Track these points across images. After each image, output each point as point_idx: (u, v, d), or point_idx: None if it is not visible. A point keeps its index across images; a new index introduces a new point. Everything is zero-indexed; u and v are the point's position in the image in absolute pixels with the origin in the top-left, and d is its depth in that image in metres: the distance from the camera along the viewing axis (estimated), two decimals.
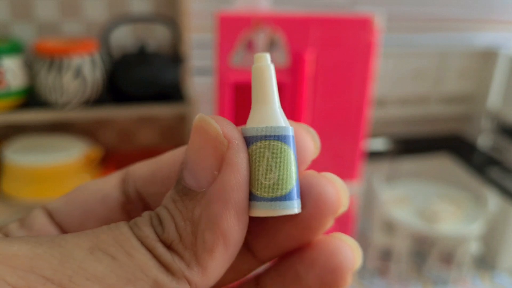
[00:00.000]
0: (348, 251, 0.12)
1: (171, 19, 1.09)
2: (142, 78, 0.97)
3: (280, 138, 0.11)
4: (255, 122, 0.11)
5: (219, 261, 0.10)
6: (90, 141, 1.09)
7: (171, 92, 1.03)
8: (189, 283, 0.10)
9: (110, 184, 0.14)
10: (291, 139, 0.11)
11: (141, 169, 0.14)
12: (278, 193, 0.11)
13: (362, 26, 0.88)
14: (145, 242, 0.10)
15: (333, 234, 0.13)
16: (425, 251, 1.39)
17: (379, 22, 0.89)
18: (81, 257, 0.10)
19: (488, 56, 1.41)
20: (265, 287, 0.13)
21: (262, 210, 0.11)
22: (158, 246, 0.10)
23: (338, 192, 0.12)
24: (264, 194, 0.11)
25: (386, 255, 1.33)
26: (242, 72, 0.90)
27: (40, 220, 0.13)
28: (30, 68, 0.96)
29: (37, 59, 0.94)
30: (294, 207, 0.11)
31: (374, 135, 1.49)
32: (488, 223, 1.34)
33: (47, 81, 0.92)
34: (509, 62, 1.35)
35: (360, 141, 0.99)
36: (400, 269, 1.25)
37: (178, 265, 0.10)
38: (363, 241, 1.38)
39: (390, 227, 1.21)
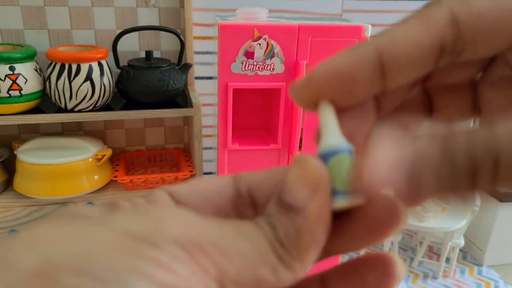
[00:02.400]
0: (399, 262, 0.16)
1: (175, 28, 1.14)
2: (148, 83, 1.02)
3: (345, 150, 0.15)
4: (327, 144, 0.15)
5: (313, 256, 0.14)
6: (100, 142, 1.13)
7: (176, 96, 1.08)
8: (293, 271, 0.14)
9: (224, 181, 0.16)
10: (351, 151, 0.15)
11: (253, 175, 0.17)
12: (349, 188, 0.14)
13: (354, 33, 0.94)
14: (267, 238, 0.14)
15: (385, 252, 0.17)
16: (415, 246, 1.43)
17: (368, 29, 0.94)
18: (231, 236, 0.13)
19: None
20: (329, 283, 0.16)
21: (343, 202, 0.14)
22: (276, 243, 0.13)
23: (404, 213, 0.15)
24: (343, 188, 0.14)
25: (377, 250, 1.37)
26: (242, 78, 0.95)
27: (164, 199, 0.15)
28: (42, 73, 1.00)
29: (49, 65, 0.98)
30: (361, 198, 0.15)
31: None
32: (475, 220, 1.38)
33: (58, 85, 0.96)
34: None
35: None
36: None
37: (288, 258, 0.13)
38: None
39: None
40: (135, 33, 1.15)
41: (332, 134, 0.15)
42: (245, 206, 0.16)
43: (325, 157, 0.15)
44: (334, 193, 0.14)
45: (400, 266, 0.15)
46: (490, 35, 0.14)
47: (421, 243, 1.39)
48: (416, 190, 0.13)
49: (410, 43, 0.14)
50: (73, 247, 0.11)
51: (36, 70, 0.98)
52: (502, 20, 0.13)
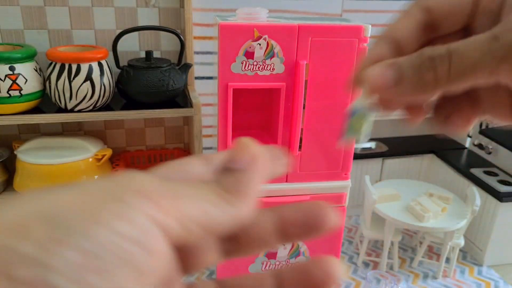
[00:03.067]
0: (339, 264, 0.19)
1: (175, 28, 1.14)
2: (148, 83, 1.02)
3: (365, 109, 0.23)
4: (354, 104, 0.23)
5: (251, 200, 0.18)
6: (100, 142, 1.13)
7: (176, 96, 1.08)
8: (233, 206, 0.17)
9: (199, 163, 0.19)
10: (368, 109, 0.23)
11: (219, 155, 0.20)
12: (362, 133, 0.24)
13: (354, 33, 0.94)
14: (212, 187, 0.17)
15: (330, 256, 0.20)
16: (415, 246, 1.43)
17: (368, 29, 0.95)
18: (183, 186, 0.16)
19: None
20: (283, 279, 0.19)
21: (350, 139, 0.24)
22: (218, 190, 0.17)
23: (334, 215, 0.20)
24: (355, 134, 0.24)
25: (377, 250, 1.38)
26: (242, 78, 0.95)
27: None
28: (42, 73, 1.00)
29: (49, 65, 0.98)
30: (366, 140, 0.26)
31: None
32: (474, 220, 1.38)
33: (58, 85, 0.96)
34: None
35: (351, 141, 1.04)
36: (391, 263, 1.29)
37: (228, 197, 0.17)
38: (355, 236, 1.43)
39: (380, 223, 1.26)
40: (135, 33, 1.15)
41: (361, 99, 0.23)
42: None
43: (352, 112, 0.23)
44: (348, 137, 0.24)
45: (340, 268, 0.18)
46: (449, 17, 0.23)
47: (421, 243, 1.40)
48: (399, 83, 0.21)
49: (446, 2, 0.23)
50: (45, 204, 0.13)
51: (36, 70, 0.98)
52: (454, 8, 0.23)
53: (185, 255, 0.18)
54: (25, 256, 0.12)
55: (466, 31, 0.23)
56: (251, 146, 0.19)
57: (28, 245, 0.12)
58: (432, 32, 0.23)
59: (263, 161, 0.19)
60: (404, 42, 0.23)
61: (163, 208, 0.14)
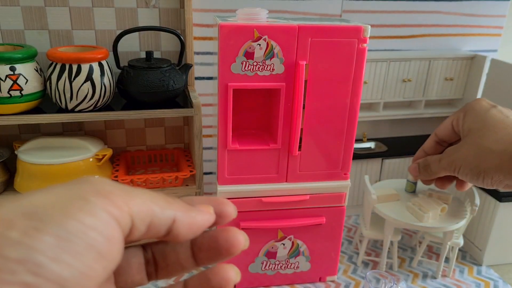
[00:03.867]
0: (233, 272, 0.22)
1: (176, 28, 1.14)
2: (148, 83, 1.02)
3: None
4: None
5: (189, 216, 0.21)
6: (100, 142, 1.13)
7: (177, 96, 1.08)
8: (175, 211, 0.20)
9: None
10: None
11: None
12: None
13: (353, 34, 0.94)
14: (162, 197, 0.21)
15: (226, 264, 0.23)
16: (414, 246, 1.43)
17: (368, 30, 0.95)
18: (136, 189, 0.20)
19: (473, 62, 1.48)
20: (189, 284, 0.22)
21: None
22: (168, 198, 0.20)
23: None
24: None
25: (376, 250, 1.38)
26: (242, 78, 0.95)
27: None
28: (43, 73, 1.01)
29: (49, 65, 0.98)
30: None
31: (365, 136, 1.56)
32: (474, 219, 1.39)
33: (59, 85, 0.96)
34: (493, 67, 1.42)
35: (351, 141, 1.05)
36: (390, 263, 1.30)
37: (174, 205, 0.21)
38: (355, 236, 1.43)
39: (380, 223, 1.26)
40: (136, 34, 1.15)
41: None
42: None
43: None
44: None
45: (234, 273, 0.21)
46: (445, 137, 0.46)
47: (420, 242, 1.40)
48: (422, 172, 0.45)
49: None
50: (25, 203, 0.16)
51: (37, 71, 0.98)
52: (445, 132, 0.45)
53: (118, 272, 0.21)
54: (13, 240, 0.15)
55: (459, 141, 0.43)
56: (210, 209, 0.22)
57: (15, 232, 0.15)
58: (442, 144, 0.45)
59: (211, 218, 0.22)
60: (429, 152, 0.46)
61: (117, 204, 0.17)
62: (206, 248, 0.22)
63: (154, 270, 0.22)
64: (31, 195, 0.17)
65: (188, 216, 0.20)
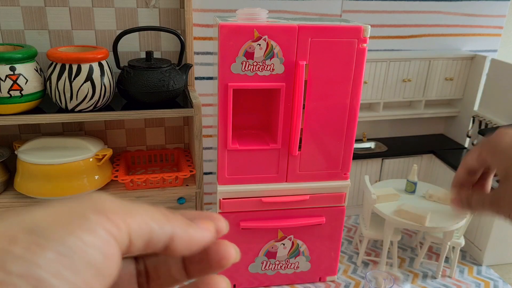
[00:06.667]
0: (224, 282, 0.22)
1: (176, 29, 1.14)
2: (148, 83, 1.02)
3: None
4: None
5: (188, 233, 0.21)
6: (100, 142, 1.13)
7: (177, 97, 1.08)
8: (173, 227, 0.20)
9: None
10: None
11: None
12: None
13: (353, 34, 0.94)
14: (161, 211, 0.20)
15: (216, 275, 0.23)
16: (414, 246, 1.43)
17: (367, 30, 0.95)
18: (136, 206, 0.20)
19: (473, 62, 1.48)
20: None
21: None
22: (167, 213, 0.20)
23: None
24: None
25: (376, 250, 1.38)
26: (242, 78, 0.95)
27: None
28: (43, 73, 1.00)
29: (49, 65, 0.98)
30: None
31: (365, 136, 1.56)
32: (474, 220, 1.39)
33: (59, 85, 0.96)
34: (493, 67, 1.42)
35: (351, 141, 1.05)
36: (390, 263, 1.29)
37: (173, 221, 0.20)
38: (355, 236, 1.43)
39: (380, 223, 1.26)
40: (136, 34, 1.15)
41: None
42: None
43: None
44: None
45: (224, 286, 0.22)
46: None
47: (421, 243, 1.40)
48: (465, 208, 0.41)
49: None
50: (27, 219, 0.17)
51: (37, 71, 0.98)
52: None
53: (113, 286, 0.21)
54: (16, 255, 0.15)
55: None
56: (213, 226, 0.22)
57: (18, 248, 0.16)
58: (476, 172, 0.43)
59: (212, 235, 0.22)
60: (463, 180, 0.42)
61: (116, 223, 0.18)
62: (197, 261, 0.22)
63: (145, 281, 0.23)
64: (33, 211, 0.17)
65: (187, 233, 0.21)
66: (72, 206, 0.18)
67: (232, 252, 0.22)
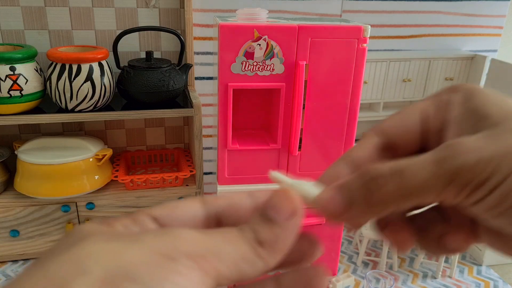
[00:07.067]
0: (323, 273, 0.22)
1: (176, 29, 1.14)
2: (148, 83, 1.02)
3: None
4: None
5: (281, 256, 0.20)
6: (100, 142, 1.13)
7: (177, 97, 1.08)
8: (267, 264, 0.19)
9: (196, 206, 0.22)
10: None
11: (219, 201, 0.22)
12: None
13: (353, 34, 0.94)
14: (248, 240, 0.19)
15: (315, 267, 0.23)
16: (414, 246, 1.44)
17: (368, 30, 0.95)
18: (220, 243, 0.19)
19: (473, 62, 1.48)
20: (283, 282, 0.22)
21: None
22: (255, 244, 0.19)
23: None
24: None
25: (376, 250, 1.38)
26: (242, 78, 0.95)
27: (149, 223, 0.21)
28: (43, 73, 1.01)
29: (49, 65, 0.98)
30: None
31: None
32: None
33: (59, 86, 0.96)
34: (493, 67, 1.42)
35: (351, 141, 1.05)
36: (390, 263, 1.30)
37: (264, 254, 0.19)
38: (355, 236, 1.43)
39: None
40: (136, 34, 1.15)
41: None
42: (213, 226, 0.22)
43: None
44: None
45: (323, 276, 0.21)
46: (402, 137, 0.25)
47: None
48: (350, 207, 0.21)
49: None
50: (123, 261, 0.16)
51: (37, 71, 0.98)
52: (404, 128, 0.25)
53: None
54: None
55: (424, 150, 0.21)
56: (293, 199, 0.21)
57: None
58: (392, 153, 0.24)
59: (300, 218, 0.21)
60: (363, 162, 0.23)
61: (204, 268, 0.18)
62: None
63: None
64: (120, 251, 0.17)
65: (279, 249, 0.20)
66: (157, 244, 0.18)
67: (325, 281, 0.22)
